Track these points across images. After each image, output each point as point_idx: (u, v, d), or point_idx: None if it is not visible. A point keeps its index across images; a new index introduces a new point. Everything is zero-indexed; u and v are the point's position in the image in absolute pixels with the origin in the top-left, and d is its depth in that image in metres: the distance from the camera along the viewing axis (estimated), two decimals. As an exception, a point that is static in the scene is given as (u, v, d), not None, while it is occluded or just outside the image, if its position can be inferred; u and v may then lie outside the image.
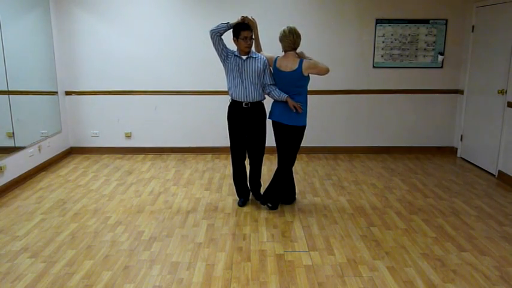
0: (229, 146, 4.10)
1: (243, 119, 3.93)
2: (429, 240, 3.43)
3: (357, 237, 3.47)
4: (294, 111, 3.77)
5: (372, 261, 3.10)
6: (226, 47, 3.82)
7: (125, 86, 5.83)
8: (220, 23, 3.75)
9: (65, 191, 4.53)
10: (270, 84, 3.89)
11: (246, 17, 3.78)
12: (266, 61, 3.87)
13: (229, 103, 4.00)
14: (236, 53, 3.84)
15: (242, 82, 3.84)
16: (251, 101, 3.87)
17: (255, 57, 3.85)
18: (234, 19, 3.82)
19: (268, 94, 3.92)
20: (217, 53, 3.84)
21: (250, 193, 4.27)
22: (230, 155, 4.29)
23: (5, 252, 3.24)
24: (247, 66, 3.82)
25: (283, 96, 3.80)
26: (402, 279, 2.87)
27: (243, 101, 3.88)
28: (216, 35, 3.75)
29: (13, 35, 4.70)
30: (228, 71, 3.90)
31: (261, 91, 3.92)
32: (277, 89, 3.85)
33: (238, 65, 3.82)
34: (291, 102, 3.76)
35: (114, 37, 5.68)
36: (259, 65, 3.83)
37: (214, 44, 3.80)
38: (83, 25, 5.65)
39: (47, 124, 5.46)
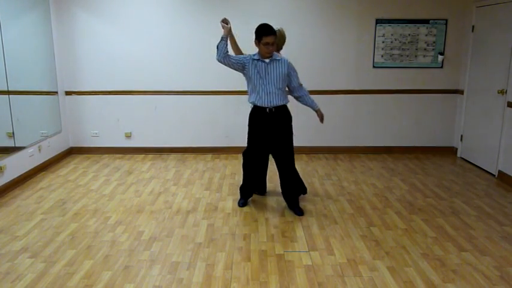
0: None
1: (268, 125, 3.78)
2: (429, 240, 3.43)
3: (357, 237, 3.47)
4: (322, 122, 3.92)
5: (372, 261, 3.10)
6: (239, 60, 3.69)
7: (125, 86, 5.83)
8: (217, 43, 3.64)
9: (65, 191, 4.53)
10: (300, 87, 3.81)
11: (225, 18, 3.72)
12: (290, 63, 3.75)
13: (250, 109, 3.86)
14: (256, 57, 3.69)
15: (265, 87, 3.68)
16: (275, 105, 3.74)
17: (279, 60, 3.70)
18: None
19: (298, 98, 3.82)
20: (235, 70, 3.75)
21: (253, 194, 4.26)
22: (242, 160, 4.14)
23: (5, 252, 3.24)
24: (271, 69, 3.67)
25: (315, 106, 3.83)
26: (402, 279, 2.87)
27: (267, 106, 3.73)
28: (224, 57, 3.63)
29: (13, 35, 4.70)
30: (248, 78, 3.75)
31: (285, 94, 3.78)
32: (309, 96, 3.83)
33: (261, 69, 3.67)
34: (320, 114, 3.87)
35: (114, 37, 5.68)
36: (283, 68, 3.69)
37: (227, 65, 3.69)
38: (83, 25, 5.65)
39: (47, 124, 5.46)
